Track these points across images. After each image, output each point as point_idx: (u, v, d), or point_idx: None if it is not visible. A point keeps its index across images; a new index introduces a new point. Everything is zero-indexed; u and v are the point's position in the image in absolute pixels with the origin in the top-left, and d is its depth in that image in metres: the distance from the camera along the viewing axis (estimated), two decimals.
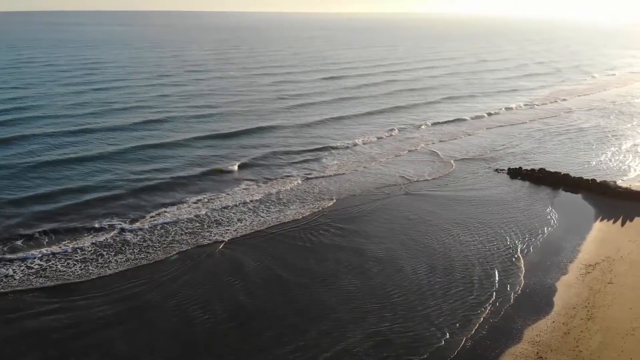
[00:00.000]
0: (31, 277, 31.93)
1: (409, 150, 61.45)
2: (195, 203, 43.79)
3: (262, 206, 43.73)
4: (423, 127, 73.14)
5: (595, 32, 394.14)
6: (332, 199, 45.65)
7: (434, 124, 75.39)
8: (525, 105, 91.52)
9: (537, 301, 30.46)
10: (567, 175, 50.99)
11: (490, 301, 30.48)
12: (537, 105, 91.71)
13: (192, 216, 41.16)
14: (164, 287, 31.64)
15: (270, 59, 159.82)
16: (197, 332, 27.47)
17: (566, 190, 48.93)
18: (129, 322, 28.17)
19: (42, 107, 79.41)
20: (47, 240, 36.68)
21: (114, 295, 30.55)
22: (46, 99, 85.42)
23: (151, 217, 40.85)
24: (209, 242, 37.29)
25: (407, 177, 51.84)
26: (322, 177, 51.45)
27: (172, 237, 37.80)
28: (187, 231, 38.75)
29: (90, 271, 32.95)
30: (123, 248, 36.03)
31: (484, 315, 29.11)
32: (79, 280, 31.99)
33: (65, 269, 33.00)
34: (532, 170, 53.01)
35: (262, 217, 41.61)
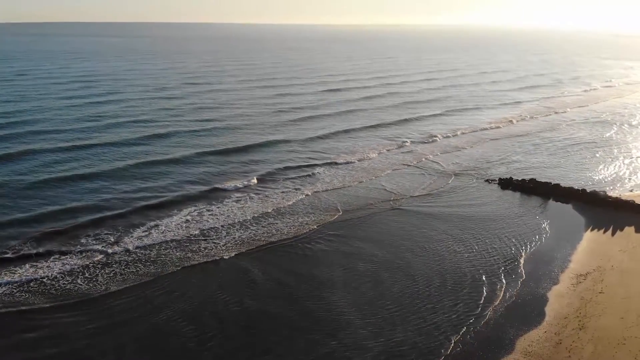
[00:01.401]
0: (16, 296, 31.61)
1: (408, 165, 60.84)
2: (196, 219, 43.24)
3: (265, 220, 43.42)
4: (424, 140, 73.14)
5: (586, 42, 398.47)
6: (335, 212, 45.52)
7: (434, 136, 75.47)
8: (525, 117, 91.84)
9: (529, 311, 30.58)
10: (557, 186, 51.37)
11: (483, 312, 30.55)
12: (535, 116, 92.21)
13: (196, 232, 40.78)
14: (174, 301, 31.50)
15: (269, 72, 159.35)
16: (209, 347, 27.35)
17: (557, 201, 49.28)
18: (139, 341, 27.85)
19: (35, 122, 78.03)
20: (35, 259, 35.91)
21: (121, 313, 30.33)
22: (39, 113, 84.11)
23: (152, 233, 40.37)
24: (214, 257, 36.93)
25: (408, 190, 51.65)
26: (325, 190, 51.22)
27: (176, 252, 37.48)
28: (190, 246, 38.45)
29: (96, 288, 32.78)
30: (132, 265, 35.90)
31: (476, 326, 29.15)
32: (88, 297, 31.73)
33: (56, 287, 32.72)
34: (523, 180, 53.36)
35: (264, 230, 41.40)
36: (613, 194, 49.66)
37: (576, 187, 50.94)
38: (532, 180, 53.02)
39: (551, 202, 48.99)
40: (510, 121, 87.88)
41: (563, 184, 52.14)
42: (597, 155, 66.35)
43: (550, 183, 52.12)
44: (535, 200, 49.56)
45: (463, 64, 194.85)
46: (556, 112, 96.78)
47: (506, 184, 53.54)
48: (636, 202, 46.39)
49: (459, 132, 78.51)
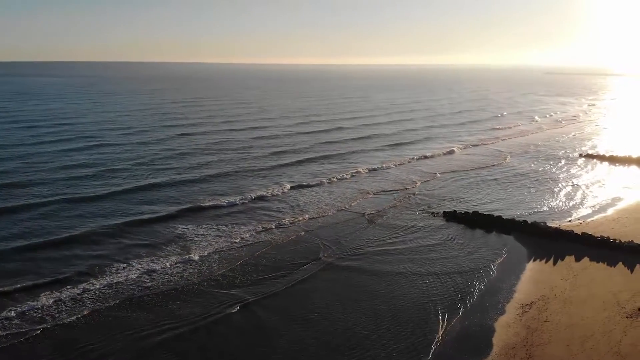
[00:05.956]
0: None
1: (361, 215, 59.23)
2: (164, 282, 37.78)
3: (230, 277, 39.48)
4: (409, 179, 71.68)
5: (528, 80, 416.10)
6: (304, 265, 41.52)
7: (431, 174, 75.00)
8: (488, 154, 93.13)
9: (477, 343, 29.91)
10: (499, 217, 52.06)
11: (430, 346, 29.64)
12: (500, 153, 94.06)
13: (159, 290, 36.23)
14: (192, 341, 29.73)
15: (242, 112, 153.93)
16: None
17: (499, 232, 49.76)
18: None
19: None
20: None
21: None
22: None
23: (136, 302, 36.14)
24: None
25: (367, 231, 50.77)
26: (308, 232, 48.86)
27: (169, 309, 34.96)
28: (173, 306, 34.43)
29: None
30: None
31: None
32: None
33: None
34: (467, 213, 53.83)
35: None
36: (553, 224, 50.72)
37: (517, 219, 51.78)
38: (475, 213, 53.56)
39: (494, 234, 49.42)
40: (465, 157, 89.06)
41: (505, 215, 52.94)
42: (535, 187, 67.81)
43: (493, 215, 52.80)
44: (479, 232, 49.91)
45: (413, 104, 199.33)
46: (519, 151, 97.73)
47: (450, 216, 53.82)
48: (575, 231, 47.45)
49: (439, 173, 76.37)
